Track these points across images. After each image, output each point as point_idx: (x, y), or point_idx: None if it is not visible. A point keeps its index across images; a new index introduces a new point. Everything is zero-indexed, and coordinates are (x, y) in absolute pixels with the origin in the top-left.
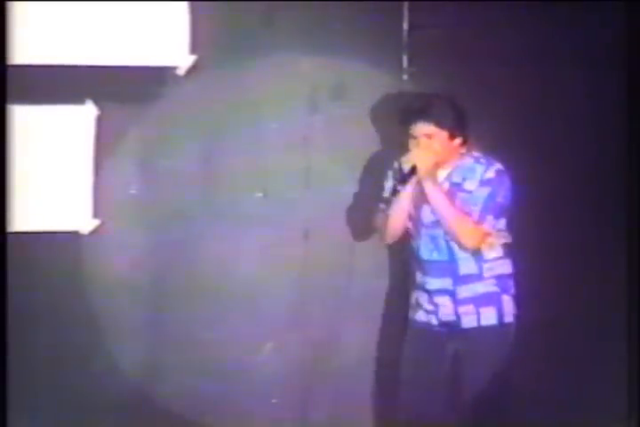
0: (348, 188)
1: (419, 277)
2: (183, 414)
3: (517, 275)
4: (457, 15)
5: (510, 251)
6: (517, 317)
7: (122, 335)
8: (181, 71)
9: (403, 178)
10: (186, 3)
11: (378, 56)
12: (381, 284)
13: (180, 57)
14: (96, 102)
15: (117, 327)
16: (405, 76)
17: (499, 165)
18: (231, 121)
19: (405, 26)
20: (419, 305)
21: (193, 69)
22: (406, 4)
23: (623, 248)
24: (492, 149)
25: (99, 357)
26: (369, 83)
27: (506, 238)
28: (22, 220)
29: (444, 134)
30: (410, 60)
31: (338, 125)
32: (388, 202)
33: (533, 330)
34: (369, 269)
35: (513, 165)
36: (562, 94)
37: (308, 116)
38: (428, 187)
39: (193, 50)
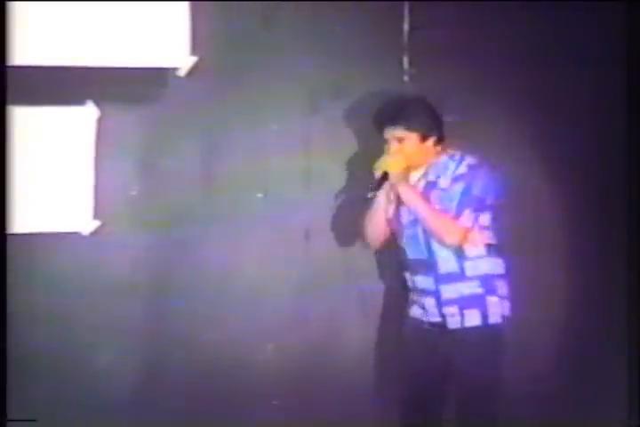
0: (347, 188)
1: (407, 275)
2: (183, 414)
3: (516, 275)
4: (457, 16)
5: (499, 251)
6: (515, 317)
7: (122, 335)
8: (182, 72)
9: (375, 184)
10: (186, 3)
11: (378, 57)
12: (381, 284)
13: (180, 58)
14: (97, 103)
15: (117, 327)
16: (406, 78)
17: (471, 160)
18: (231, 122)
19: (406, 27)
20: (413, 302)
21: (194, 70)
22: (407, 5)
23: (623, 248)
24: (493, 149)
25: (99, 357)
26: (369, 84)
27: (490, 239)
28: (23, 221)
29: (414, 136)
30: (410, 61)
31: (338, 127)
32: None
33: (533, 330)
34: (368, 270)
35: (513, 164)
36: (562, 94)
37: (308, 118)
38: (402, 190)
39: (193, 51)
